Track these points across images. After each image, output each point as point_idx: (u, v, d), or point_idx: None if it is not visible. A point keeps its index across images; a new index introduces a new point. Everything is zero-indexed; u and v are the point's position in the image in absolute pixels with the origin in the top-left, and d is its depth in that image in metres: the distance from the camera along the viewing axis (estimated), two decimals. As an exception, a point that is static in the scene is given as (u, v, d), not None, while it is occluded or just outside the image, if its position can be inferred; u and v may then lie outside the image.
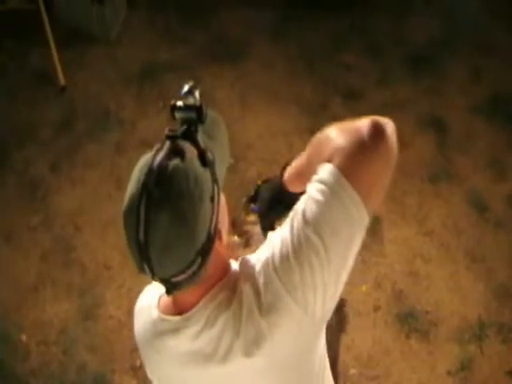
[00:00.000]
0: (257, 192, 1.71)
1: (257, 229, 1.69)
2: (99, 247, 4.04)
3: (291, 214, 1.30)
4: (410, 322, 3.65)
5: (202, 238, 1.25)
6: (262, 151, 4.47)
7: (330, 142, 1.30)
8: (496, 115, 4.72)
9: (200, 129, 1.32)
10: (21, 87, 5.05)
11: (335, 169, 1.24)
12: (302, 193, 1.32)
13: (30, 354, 3.63)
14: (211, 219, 1.27)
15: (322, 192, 1.24)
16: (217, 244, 1.32)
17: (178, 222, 1.20)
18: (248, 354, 1.33)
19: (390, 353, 3.58)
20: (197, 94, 1.35)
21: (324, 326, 1.43)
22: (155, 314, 1.48)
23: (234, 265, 1.47)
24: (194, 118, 1.31)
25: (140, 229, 1.20)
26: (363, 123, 1.27)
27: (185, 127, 1.30)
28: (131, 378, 3.52)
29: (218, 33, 5.46)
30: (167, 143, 1.27)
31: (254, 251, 1.44)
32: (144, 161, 1.26)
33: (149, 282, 1.65)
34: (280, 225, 1.39)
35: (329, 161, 1.26)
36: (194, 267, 1.27)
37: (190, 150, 1.26)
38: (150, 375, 1.64)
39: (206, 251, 1.27)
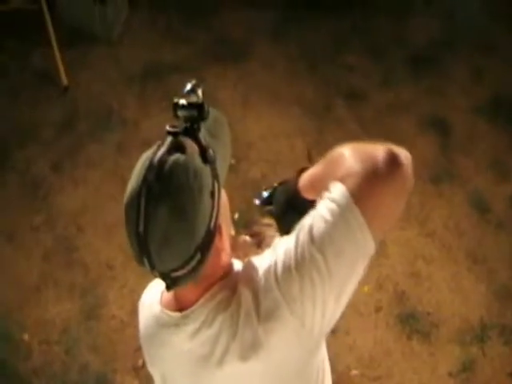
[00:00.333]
0: (272, 194, 1.70)
1: (270, 231, 1.69)
2: (102, 247, 4.05)
3: (298, 226, 1.31)
4: (412, 323, 3.65)
5: (201, 232, 1.25)
6: (263, 151, 4.47)
7: (346, 162, 1.30)
8: (498, 116, 4.73)
9: (202, 127, 1.32)
10: (23, 87, 5.06)
11: (347, 192, 1.24)
12: (315, 200, 1.33)
13: (33, 354, 3.63)
14: (211, 215, 1.27)
15: (331, 212, 1.25)
16: (217, 241, 1.32)
17: (177, 216, 1.21)
18: (244, 358, 1.33)
19: (391, 354, 3.58)
20: (199, 92, 1.36)
21: (323, 340, 1.45)
22: (157, 308, 1.49)
23: (237, 265, 1.47)
24: (196, 115, 1.31)
25: (140, 222, 1.21)
26: (380, 151, 1.26)
27: (186, 124, 1.31)
28: (133, 377, 3.52)
29: (219, 33, 5.46)
30: (168, 139, 1.28)
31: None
32: (145, 156, 1.27)
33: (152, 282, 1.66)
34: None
35: (342, 180, 1.27)
36: (194, 263, 1.27)
37: (191, 146, 1.27)
38: (151, 371, 1.65)
39: (205, 247, 1.28)
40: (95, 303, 3.80)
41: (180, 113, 1.32)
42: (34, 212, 4.24)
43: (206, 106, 1.32)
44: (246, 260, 1.45)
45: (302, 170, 1.56)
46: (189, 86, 1.37)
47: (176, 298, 1.44)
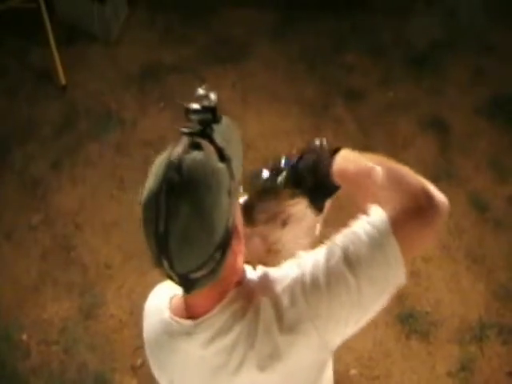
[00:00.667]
0: (299, 174, 1.63)
1: (295, 209, 1.64)
2: (100, 246, 4.04)
3: (328, 243, 1.36)
4: (411, 323, 3.65)
5: (220, 231, 1.25)
6: (263, 151, 4.46)
7: (390, 186, 1.38)
8: (497, 116, 4.72)
9: (215, 130, 1.32)
10: (21, 86, 5.05)
11: (387, 220, 1.31)
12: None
13: (31, 353, 3.63)
14: (228, 213, 1.27)
15: (370, 237, 1.30)
16: (234, 242, 1.31)
17: (197, 212, 1.21)
18: (262, 368, 1.35)
19: (390, 353, 3.58)
20: (212, 95, 1.36)
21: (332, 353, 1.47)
22: (166, 314, 1.47)
23: (249, 273, 1.47)
24: (210, 118, 1.32)
25: (160, 220, 1.21)
26: (424, 189, 1.35)
27: (202, 126, 1.31)
28: (131, 377, 3.52)
29: (219, 33, 5.46)
30: (184, 139, 1.28)
31: (291, 231, 1.55)
32: (161, 158, 1.27)
33: (151, 282, 1.64)
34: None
35: (382, 206, 1.35)
36: (213, 263, 1.26)
37: (208, 146, 1.28)
38: (157, 375, 1.62)
39: (224, 246, 1.27)
40: (93, 303, 3.80)
41: (193, 117, 1.33)
42: (33, 211, 4.24)
43: (218, 109, 1.33)
44: (262, 271, 1.45)
45: (337, 150, 1.55)
46: (201, 91, 1.38)
47: (187, 305, 1.43)
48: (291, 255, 1.56)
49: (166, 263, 1.24)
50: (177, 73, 5.08)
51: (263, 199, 1.65)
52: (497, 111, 4.77)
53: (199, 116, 1.32)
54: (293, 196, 1.62)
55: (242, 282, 1.42)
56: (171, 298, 1.50)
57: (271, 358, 1.34)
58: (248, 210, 1.57)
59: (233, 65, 5.12)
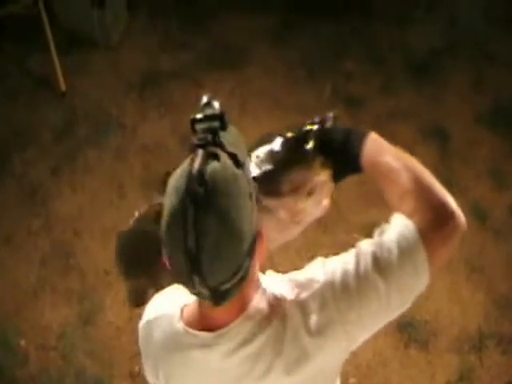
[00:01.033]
0: (329, 143, 1.61)
1: (321, 177, 1.58)
2: (99, 253, 4.03)
3: (356, 250, 1.39)
4: (410, 332, 3.64)
5: (248, 237, 1.25)
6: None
7: (420, 195, 1.42)
8: (498, 124, 4.73)
9: (223, 137, 1.31)
10: (21, 91, 5.05)
11: (415, 230, 1.35)
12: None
13: (29, 359, 3.62)
14: (252, 218, 1.27)
15: (399, 246, 1.34)
16: (258, 247, 1.31)
17: (226, 223, 1.20)
18: (289, 372, 1.36)
19: (389, 362, 3.57)
20: (216, 104, 1.36)
21: None
22: (179, 326, 1.44)
23: (268, 280, 1.47)
24: (218, 126, 1.31)
25: (189, 237, 1.18)
26: (449, 201, 1.40)
27: (211, 135, 1.29)
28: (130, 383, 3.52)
29: (218, 38, 5.46)
30: (200, 151, 1.26)
31: (313, 201, 1.55)
32: (179, 173, 1.25)
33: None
34: None
35: (411, 215, 1.38)
36: (242, 271, 1.26)
37: (222, 154, 1.26)
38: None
39: (251, 252, 1.28)
40: (92, 309, 3.79)
41: (200, 126, 1.31)
42: (32, 216, 4.23)
43: (226, 116, 1.32)
44: (268, 272, 1.48)
45: (368, 132, 1.58)
46: (205, 99, 1.37)
47: (204, 317, 1.41)
48: (307, 223, 1.58)
49: (196, 279, 1.22)
50: (176, 78, 5.09)
51: (290, 169, 1.59)
52: (497, 119, 4.77)
53: (207, 125, 1.31)
54: (322, 166, 1.59)
55: (258, 289, 1.42)
56: (182, 309, 1.48)
57: (298, 362, 1.36)
58: (273, 180, 1.54)
59: (232, 71, 5.11)
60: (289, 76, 5.17)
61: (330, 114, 1.65)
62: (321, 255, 1.49)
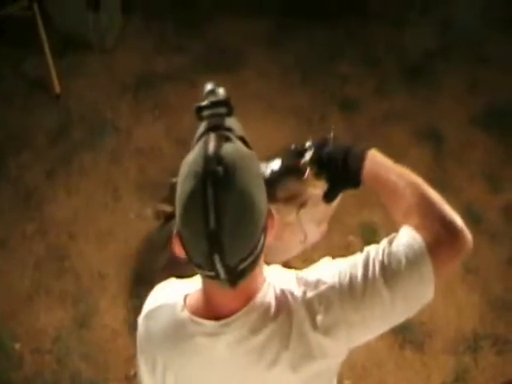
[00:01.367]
0: (327, 156, 1.63)
1: (315, 192, 1.62)
2: (94, 256, 4.03)
3: (364, 255, 1.40)
4: (405, 333, 3.64)
5: (264, 213, 1.28)
6: (257, 161, 4.46)
7: (427, 211, 1.44)
8: (492, 126, 4.74)
9: (229, 122, 1.34)
10: (16, 94, 5.04)
11: (423, 243, 1.36)
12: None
13: (24, 363, 3.60)
14: (265, 194, 1.31)
15: (407, 256, 1.36)
16: (269, 223, 1.33)
17: (246, 201, 1.22)
18: (294, 368, 1.37)
19: (384, 364, 3.57)
20: (220, 90, 1.40)
21: None
22: (184, 315, 1.44)
23: (275, 273, 1.48)
24: (224, 111, 1.33)
25: (210, 217, 1.19)
26: (455, 218, 1.41)
27: (221, 120, 1.32)
28: (125, 387, 3.51)
29: (213, 41, 5.46)
30: (212, 134, 1.28)
31: (306, 215, 1.59)
32: (193, 158, 1.27)
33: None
34: None
35: (417, 229, 1.39)
36: (258, 249, 1.28)
37: (233, 137, 1.29)
38: (157, 377, 1.57)
39: (265, 229, 1.30)
40: (87, 312, 3.78)
41: (206, 113, 1.34)
42: (27, 220, 4.22)
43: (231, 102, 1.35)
44: (293, 276, 1.46)
45: (368, 148, 1.58)
46: (209, 87, 1.42)
47: (210, 305, 1.41)
48: (299, 238, 1.60)
49: (217, 259, 1.23)
50: (171, 81, 5.09)
51: (286, 177, 1.65)
52: (491, 122, 4.78)
53: (212, 111, 1.33)
54: (316, 177, 1.61)
55: (263, 281, 1.42)
56: (186, 298, 1.47)
57: (304, 359, 1.37)
58: (270, 185, 1.53)
59: (227, 73, 5.10)
60: (284, 79, 5.18)
61: (330, 136, 1.67)
62: (316, 257, 1.49)
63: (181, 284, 1.54)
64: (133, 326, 1.64)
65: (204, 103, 1.34)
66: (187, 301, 1.47)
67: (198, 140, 1.31)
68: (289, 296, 1.40)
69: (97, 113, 4.89)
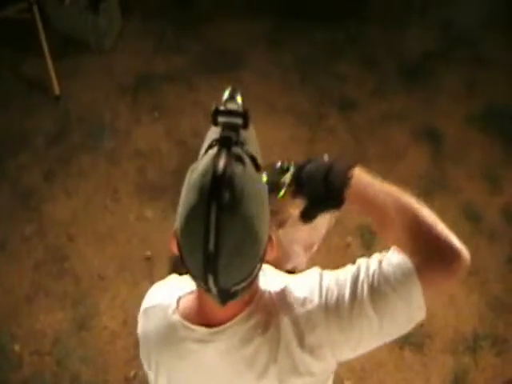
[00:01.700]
0: (306, 176, 1.56)
1: (296, 212, 1.58)
2: (93, 257, 4.03)
3: (353, 272, 1.38)
4: (404, 334, 3.63)
5: (264, 242, 1.26)
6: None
7: (420, 234, 1.37)
8: (490, 127, 4.74)
9: (243, 135, 1.29)
10: (15, 96, 5.04)
11: (414, 269, 1.33)
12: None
13: (23, 365, 3.61)
14: (267, 222, 1.29)
15: (396, 278, 1.34)
16: (269, 251, 1.32)
17: (248, 228, 1.20)
18: (282, 381, 1.38)
19: (383, 365, 3.57)
20: (239, 98, 1.35)
21: None
22: (175, 318, 1.44)
23: (268, 283, 1.47)
24: (240, 123, 1.28)
25: (210, 236, 1.17)
26: (448, 239, 1.35)
27: (235, 133, 1.27)
28: (125, 389, 3.51)
29: (212, 43, 5.46)
30: (223, 151, 1.23)
31: (287, 235, 1.57)
32: (201, 170, 1.21)
33: (144, 293, 1.63)
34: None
35: (411, 255, 1.35)
36: (254, 275, 1.27)
37: (244, 156, 1.25)
38: (153, 377, 1.60)
39: (264, 255, 1.29)
40: (86, 314, 3.78)
41: (221, 119, 1.28)
42: (26, 221, 4.22)
43: (249, 114, 1.29)
44: (281, 288, 1.45)
45: (352, 166, 1.51)
46: (228, 92, 1.36)
47: (203, 312, 1.41)
48: (284, 260, 1.56)
49: (211, 279, 1.22)
50: (170, 82, 5.09)
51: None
52: (489, 122, 4.78)
53: (228, 119, 1.28)
54: (294, 197, 1.58)
55: (257, 291, 1.42)
56: (179, 301, 1.47)
57: (291, 373, 1.37)
58: None
59: (226, 74, 5.10)
60: (283, 80, 5.18)
61: (325, 157, 1.60)
62: (316, 259, 1.49)
63: (180, 283, 1.53)
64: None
65: (222, 108, 1.29)
66: (180, 303, 1.47)
67: (210, 147, 1.27)
68: (278, 309, 1.39)
69: (96, 114, 4.89)
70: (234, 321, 1.37)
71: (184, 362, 1.46)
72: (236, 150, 1.24)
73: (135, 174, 4.44)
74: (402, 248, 1.37)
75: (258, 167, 1.28)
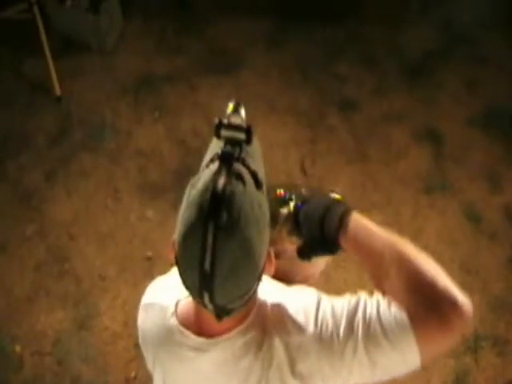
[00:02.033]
0: (303, 218, 1.54)
1: (292, 247, 1.56)
2: (94, 258, 4.03)
3: (351, 309, 1.34)
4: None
5: (262, 261, 1.25)
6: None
7: (420, 286, 1.31)
8: (491, 127, 4.74)
9: (246, 151, 1.27)
10: (16, 96, 5.04)
11: (410, 325, 1.27)
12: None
13: (24, 365, 3.61)
14: (266, 242, 1.27)
15: (392, 333, 1.28)
16: (267, 269, 1.31)
17: (246, 250, 1.18)
18: None
19: (384, 365, 3.57)
20: (242, 112, 1.33)
21: None
22: (173, 322, 1.44)
23: (266, 295, 1.45)
24: (243, 138, 1.26)
25: (206, 257, 1.16)
26: (449, 293, 1.28)
27: (234, 149, 1.25)
28: (126, 389, 3.51)
29: (213, 43, 5.45)
30: (224, 168, 1.21)
31: (284, 264, 1.50)
32: (201, 186, 1.20)
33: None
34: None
35: (408, 308, 1.29)
36: (250, 294, 1.27)
37: (245, 173, 1.23)
38: (152, 371, 1.60)
39: (262, 274, 1.28)
40: (87, 314, 3.78)
41: (224, 133, 1.27)
42: (27, 221, 4.22)
43: (252, 130, 1.28)
44: (276, 304, 1.43)
45: (350, 211, 1.48)
46: (231, 107, 1.34)
47: (200, 320, 1.40)
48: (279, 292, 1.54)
49: (206, 296, 1.21)
50: (171, 83, 5.08)
51: None
52: (491, 122, 4.78)
53: (231, 134, 1.27)
54: (290, 234, 1.57)
55: (255, 305, 1.41)
56: (177, 304, 1.47)
57: None
58: None
59: (227, 75, 5.11)
60: (284, 80, 5.17)
61: (331, 194, 1.58)
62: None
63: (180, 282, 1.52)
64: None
65: (225, 121, 1.28)
66: (178, 307, 1.46)
67: (211, 161, 1.25)
68: (272, 328, 1.37)
69: (97, 114, 4.89)
70: (229, 334, 1.37)
71: (180, 365, 1.46)
72: (237, 166, 1.23)
73: (136, 174, 4.44)
74: (399, 301, 1.31)
75: (259, 185, 1.26)
